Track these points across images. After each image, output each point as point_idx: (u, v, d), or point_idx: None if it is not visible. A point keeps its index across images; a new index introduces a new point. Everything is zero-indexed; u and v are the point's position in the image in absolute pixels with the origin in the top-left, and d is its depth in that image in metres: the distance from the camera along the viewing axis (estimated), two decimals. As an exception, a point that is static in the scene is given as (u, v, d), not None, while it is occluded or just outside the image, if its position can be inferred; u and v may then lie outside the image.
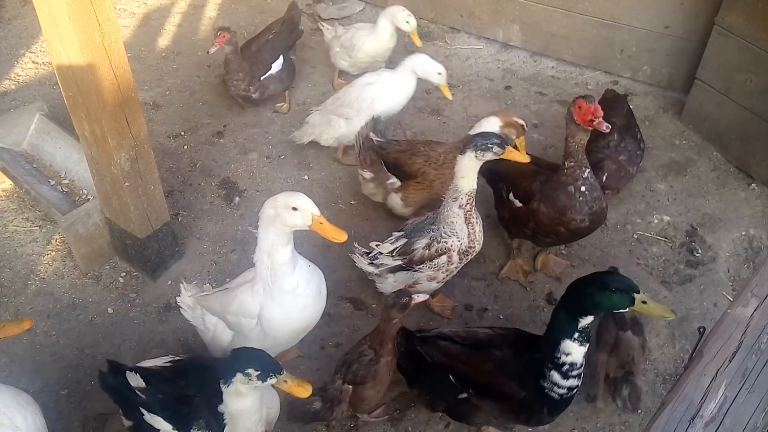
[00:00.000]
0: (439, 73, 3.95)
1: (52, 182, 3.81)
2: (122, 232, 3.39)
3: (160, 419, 2.46)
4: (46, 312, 3.37)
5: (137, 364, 2.65)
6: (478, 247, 3.09)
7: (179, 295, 2.98)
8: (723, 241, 3.81)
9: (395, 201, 3.67)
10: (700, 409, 1.64)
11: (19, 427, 2.30)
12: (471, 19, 5.27)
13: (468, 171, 2.87)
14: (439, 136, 4.43)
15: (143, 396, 2.52)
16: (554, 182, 3.11)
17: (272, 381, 2.22)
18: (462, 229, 2.99)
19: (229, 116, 4.56)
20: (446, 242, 3.01)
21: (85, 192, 3.76)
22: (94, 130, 2.98)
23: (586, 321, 2.30)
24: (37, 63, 4.93)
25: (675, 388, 1.73)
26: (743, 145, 4.15)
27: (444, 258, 3.02)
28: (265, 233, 2.48)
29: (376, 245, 3.23)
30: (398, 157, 3.58)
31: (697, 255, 3.73)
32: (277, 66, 4.42)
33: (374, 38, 4.48)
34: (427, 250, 3.05)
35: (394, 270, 3.16)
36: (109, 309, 3.41)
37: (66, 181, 3.84)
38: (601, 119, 2.91)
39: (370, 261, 3.21)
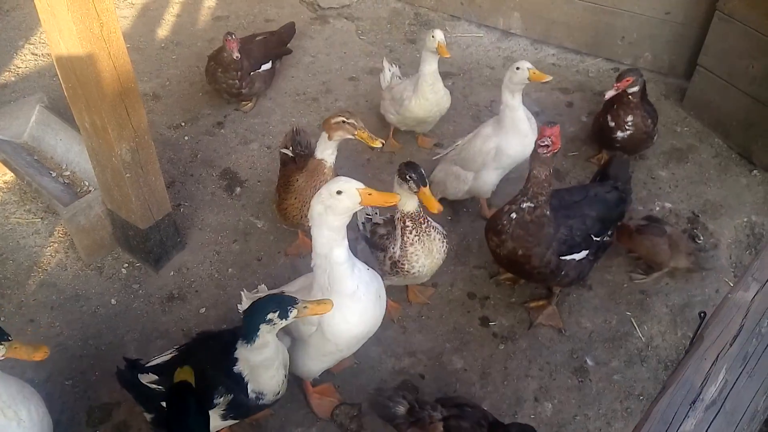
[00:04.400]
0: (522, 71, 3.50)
1: (54, 174, 3.81)
2: (124, 223, 3.40)
3: None
4: (50, 303, 3.38)
5: (147, 364, 2.63)
6: (410, 269, 2.96)
7: (240, 303, 2.86)
8: (725, 228, 3.80)
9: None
10: (700, 392, 1.65)
11: (24, 420, 2.31)
12: (471, 7, 5.24)
13: (399, 192, 2.81)
14: (440, 125, 4.42)
15: (160, 387, 2.53)
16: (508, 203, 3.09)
17: (293, 314, 2.31)
18: (397, 241, 2.96)
19: (229, 107, 4.55)
20: (387, 242, 3.00)
21: (87, 183, 3.76)
22: (94, 122, 2.98)
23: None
24: (36, 54, 4.92)
25: (675, 373, 1.73)
26: (745, 131, 4.14)
27: (381, 255, 3.01)
28: (319, 233, 2.40)
29: (375, 213, 3.25)
30: (281, 174, 3.44)
31: (699, 242, 3.73)
32: (266, 66, 4.43)
33: (417, 92, 3.91)
34: (379, 240, 3.04)
35: (366, 240, 3.16)
36: (112, 300, 3.42)
37: (67, 173, 3.84)
38: (547, 142, 2.82)
39: (365, 219, 3.22)
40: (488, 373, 3.15)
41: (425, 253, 2.95)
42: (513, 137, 3.50)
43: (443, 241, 3.02)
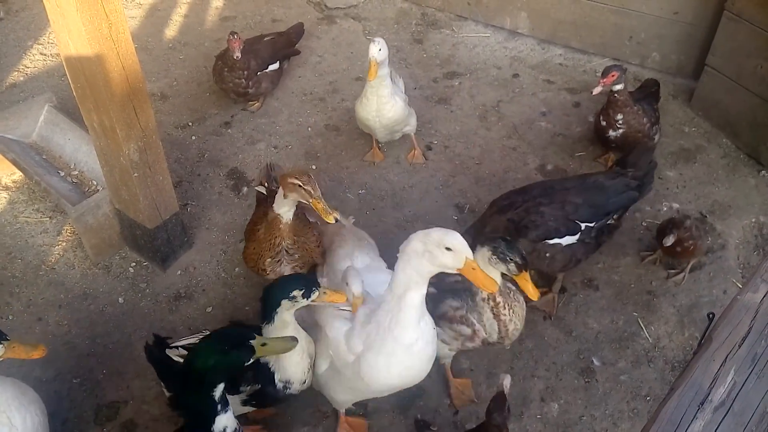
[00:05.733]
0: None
1: (62, 173, 3.83)
2: (132, 222, 3.41)
3: None
4: (58, 302, 3.40)
5: (173, 344, 2.66)
6: (509, 341, 2.75)
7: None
8: (733, 229, 3.79)
9: None
10: (709, 394, 1.64)
11: (17, 427, 2.28)
12: (478, 7, 5.24)
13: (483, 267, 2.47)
14: (447, 125, 4.43)
15: None
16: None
17: (315, 295, 2.36)
18: (491, 324, 2.68)
19: (236, 107, 4.56)
20: (474, 323, 2.71)
21: (95, 183, 3.78)
22: (102, 121, 2.99)
23: (220, 388, 2.09)
24: (45, 55, 4.95)
25: (684, 374, 1.73)
26: (753, 131, 4.12)
27: (468, 331, 2.72)
28: (403, 268, 2.19)
29: None
30: (253, 214, 3.30)
31: (707, 242, 3.71)
32: (273, 66, 4.44)
33: (360, 100, 3.87)
34: (456, 312, 2.73)
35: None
36: (120, 299, 3.43)
37: (75, 172, 3.86)
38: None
39: None
40: (494, 373, 3.15)
41: (518, 317, 2.70)
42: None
43: (520, 293, 2.70)
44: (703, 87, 4.38)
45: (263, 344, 2.11)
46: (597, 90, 3.73)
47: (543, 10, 4.97)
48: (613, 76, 3.68)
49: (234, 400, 2.54)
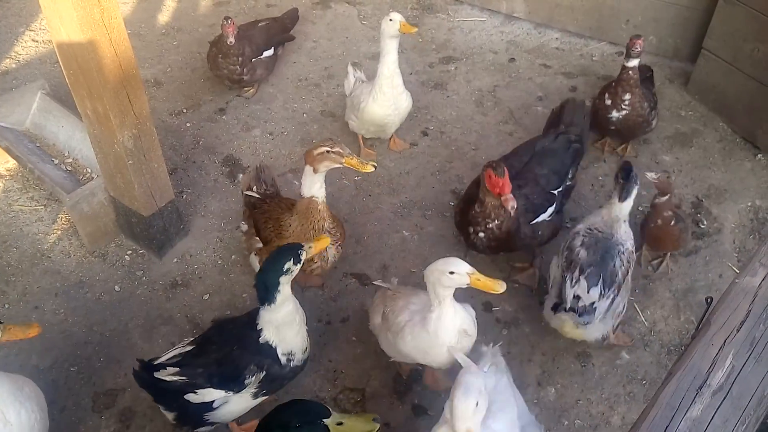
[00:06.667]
0: None
1: (56, 161, 3.80)
2: (127, 210, 3.40)
3: (211, 389, 2.50)
4: (54, 290, 3.39)
5: (158, 362, 2.60)
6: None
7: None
8: (729, 213, 3.79)
9: (254, 263, 3.20)
10: (707, 378, 1.65)
11: (11, 422, 2.26)
12: (474, -9, 5.20)
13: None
14: (443, 111, 4.41)
15: (184, 378, 2.51)
16: (470, 208, 3.16)
17: (304, 256, 2.48)
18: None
19: (230, 93, 4.53)
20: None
21: (89, 170, 3.75)
22: (96, 108, 2.97)
23: None
24: (37, 41, 4.90)
25: (682, 358, 1.73)
26: (750, 115, 4.12)
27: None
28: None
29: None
30: (258, 218, 3.17)
31: (703, 226, 3.72)
32: (267, 53, 4.40)
33: (374, 88, 3.69)
34: (623, 265, 2.92)
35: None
36: (116, 287, 3.42)
37: (70, 160, 3.83)
38: (508, 196, 2.89)
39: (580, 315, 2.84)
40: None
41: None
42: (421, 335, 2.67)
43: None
44: (699, 71, 4.37)
45: (339, 423, 1.90)
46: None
47: (539, -6, 4.94)
48: (641, 42, 3.62)
49: (244, 397, 2.54)
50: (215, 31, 4.60)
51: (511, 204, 2.90)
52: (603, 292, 2.83)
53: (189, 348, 2.62)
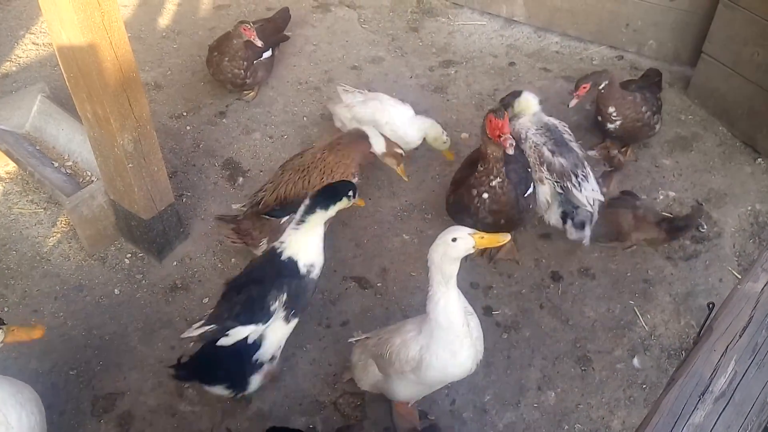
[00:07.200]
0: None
1: (56, 164, 3.79)
2: (127, 213, 3.39)
3: (240, 327, 2.59)
4: (53, 294, 3.38)
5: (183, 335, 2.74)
6: None
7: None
8: (729, 217, 3.79)
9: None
10: (710, 384, 1.64)
11: (13, 426, 2.26)
12: (474, -5, 5.21)
13: None
14: (443, 114, 4.41)
15: (211, 325, 2.62)
16: (468, 180, 3.20)
17: (353, 200, 2.81)
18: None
19: (231, 96, 4.53)
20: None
21: (89, 174, 3.75)
22: (96, 112, 2.96)
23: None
24: (37, 44, 4.89)
25: (685, 364, 1.73)
26: (750, 119, 4.12)
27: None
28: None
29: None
30: (279, 194, 3.28)
31: (703, 230, 3.72)
32: (266, 54, 4.40)
33: (415, 128, 3.87)
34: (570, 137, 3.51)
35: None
36: (116, 290, 3.42)
37: (69, 163, 3.83)
38: (507, 136, 2.94)
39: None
40: (491, 362, 3.15)
41: None
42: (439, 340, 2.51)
43: None
44: (699, 75, 4.37)
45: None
46: (572, 103, 3.77)
47: (539, -2, 4.95)
48: (584, 88, 3.69)
49: (277, 324, 2.64)
50: (215, 34, 4.60)
51: (510, 142, 2.95)
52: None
53: (209, 311, 2.72)
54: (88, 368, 3.10)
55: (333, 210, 2.71)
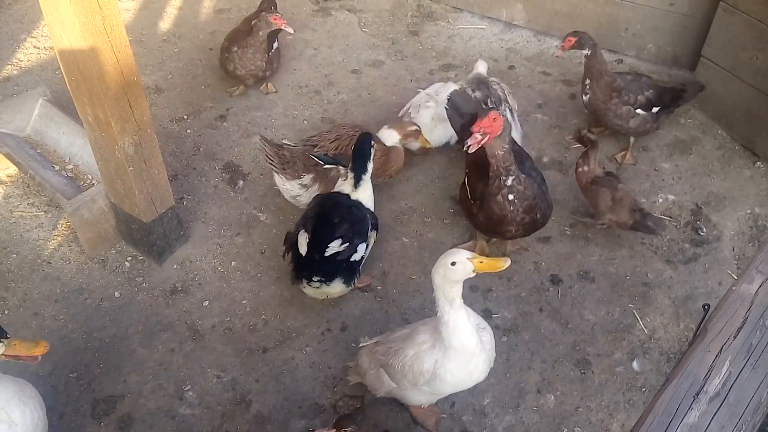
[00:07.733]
0: None
1: (57, 167, 3.81)
2: (127, 216, 3.41)
3: (362, 245, 3.18)
4: (54, 296, 3.39)
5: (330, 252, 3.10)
6: None
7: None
8: (728, 220, 3.80)
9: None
10: (704, 384, 1.65)
11: (17, 423, 2.28)
12: (474, -1, 5.22)
13: None
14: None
15: (347, 244, 3.11)
16: (486, 192, 3.14)
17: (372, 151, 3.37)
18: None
19: (231, 100, 4.55)
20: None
21: (90, 177, 3.76)
22: (97, 115, 2.98)
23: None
24: (38, 48, 4.92)
25: (679, 365, 1.73)
26: (749, 123, 4.13)
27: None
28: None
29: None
30: (341, 144, 3.66)
31: (702, 234, 3.72)
32: (275, 45, 4.47)
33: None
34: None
35: None
36: (116, 293, 3.43)
37: (70, 166, 3.85)
38: (475, 135, 2.88)
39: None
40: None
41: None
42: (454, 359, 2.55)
43: None
44: (698, 78, 4.38)
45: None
46: (558, 53, 4.06)
47: (539, 2, 4.96)
48: (570, 41, 3.88)
49: (369, 239, 3.27)
50: (216, 37, 4.63)
51: (472, 141, 2.92)
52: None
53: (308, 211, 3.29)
54: (88, 371, 3.11)
55: (371, 165, 3.33)
